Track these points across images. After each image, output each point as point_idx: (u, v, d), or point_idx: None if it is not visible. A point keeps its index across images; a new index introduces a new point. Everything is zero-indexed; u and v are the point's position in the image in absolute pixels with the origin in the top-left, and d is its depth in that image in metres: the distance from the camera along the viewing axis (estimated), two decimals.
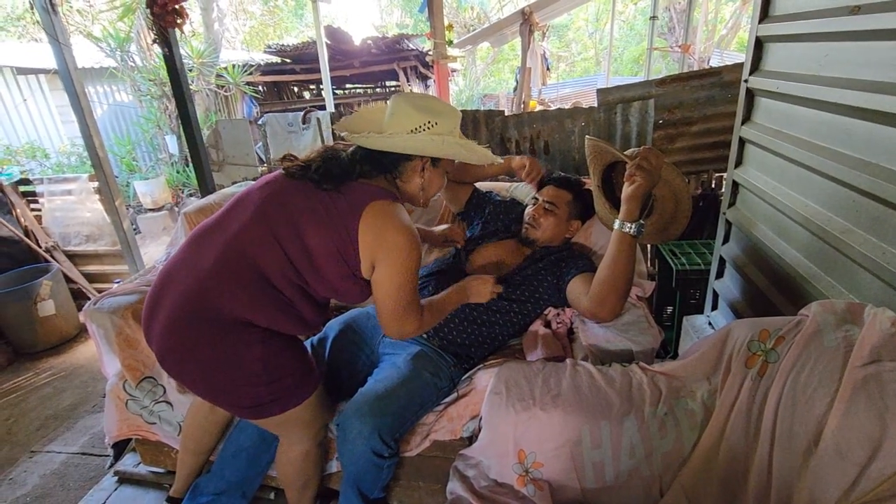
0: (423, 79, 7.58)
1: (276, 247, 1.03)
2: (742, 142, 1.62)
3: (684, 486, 0.93)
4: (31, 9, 2.38)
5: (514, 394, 1.04)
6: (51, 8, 2.44)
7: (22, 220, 3.20)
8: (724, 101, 2.32)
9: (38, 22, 2.36)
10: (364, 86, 8.73)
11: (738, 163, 1.65)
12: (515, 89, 7.09)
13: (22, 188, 3.30)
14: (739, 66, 2.48)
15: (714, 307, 1.87)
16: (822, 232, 1.18)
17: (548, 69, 8.38)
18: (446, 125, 1.10)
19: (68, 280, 3.13)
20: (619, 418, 0.96)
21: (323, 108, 5.71)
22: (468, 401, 1.30)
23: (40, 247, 3.16)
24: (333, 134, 3.00)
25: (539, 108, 6.60)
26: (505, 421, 1.03)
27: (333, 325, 1.48)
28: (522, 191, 1.90)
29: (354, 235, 1.04)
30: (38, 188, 3.32)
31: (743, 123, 1.58)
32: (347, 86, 8.69)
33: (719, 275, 1.83)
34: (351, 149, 1.13)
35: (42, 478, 1.88)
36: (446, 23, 4.46)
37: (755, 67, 1.51)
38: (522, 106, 6.19)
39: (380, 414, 1.16)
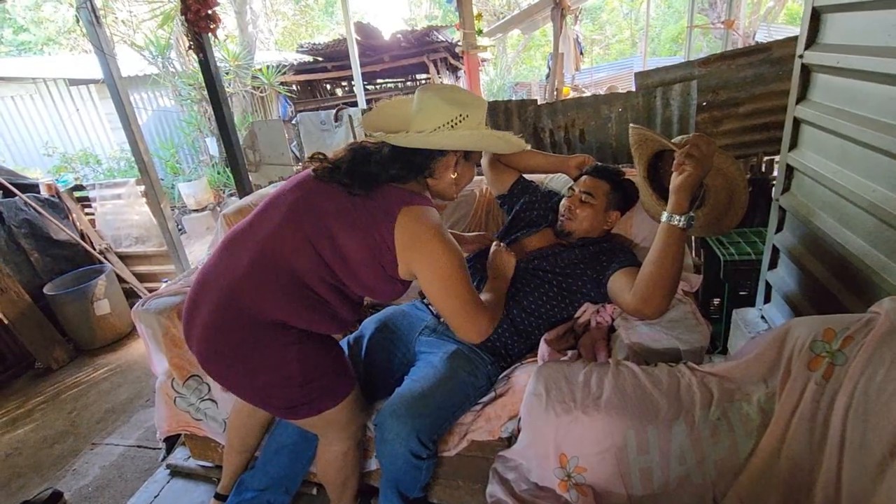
0: (454, 70, 7.52)
1: (310, 249, 1.03)
2: (797, 122, 1.50)
3: (741, 497, 0.88)
4: (78, 22, 2.48)
5: (554, 395, 1.01)
6: (95, 21, 2.54)
7: (77, 224, 3.39)
8: (775, 79, 2.17)
9: (86, 34, 2.48)
10: (394, 80, 8.75)
11: (793, 145, 1.53)
12: (548, 76, 6.92)
13: (76, 194, 3.49)
14: (792, 40, 2.33)
15: (767, 300, 1.76)
16: (891, 218, 1.08)
17: (581, 54, 8.13)
18: (477, 116, 1.07)
19: (121, 280, 3.30)
20: (667, 422, 0.91)
21: (355, 104, 5.76)
22: (506, 400, 1.27)
23: (94, 249, 3.34)
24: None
25: (572, 94, 6.43)
26: (545, 423, 1.00)
27: (369, 324, 1.48)
28: (559, 182, 1.84)
29: (391, 242, 1.03)
30: (91, 193, 3.50)
31: (798, 102, 1.47)
32: (378, 81, 8.73)
33: (772, 265, 1.71)
34: (380, 148, 1.11)
35: (102, 469, 1.99)
36: (475, 12, 4.38)
37: (811, 41, 1.39)
38: (555, 93, 6.03)
39: (417, 415, 1.15)
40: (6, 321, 2.78)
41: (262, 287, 1.03)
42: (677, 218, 1.13)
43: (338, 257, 1.04)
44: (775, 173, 2.40)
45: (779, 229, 1.65)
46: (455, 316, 1.07)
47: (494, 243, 1.36)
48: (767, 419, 0.88)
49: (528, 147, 1.21)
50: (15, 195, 3.08)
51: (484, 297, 1.21)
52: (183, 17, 2.05)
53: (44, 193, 3.29)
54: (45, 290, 2.96)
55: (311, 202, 1.06)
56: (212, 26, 2.10)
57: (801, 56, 1.42)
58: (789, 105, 1.50)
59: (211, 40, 2.25)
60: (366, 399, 1.34)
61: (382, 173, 1.06)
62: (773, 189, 1.66)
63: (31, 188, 3.26)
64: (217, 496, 1.48)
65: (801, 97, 1.45)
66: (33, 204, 3.11)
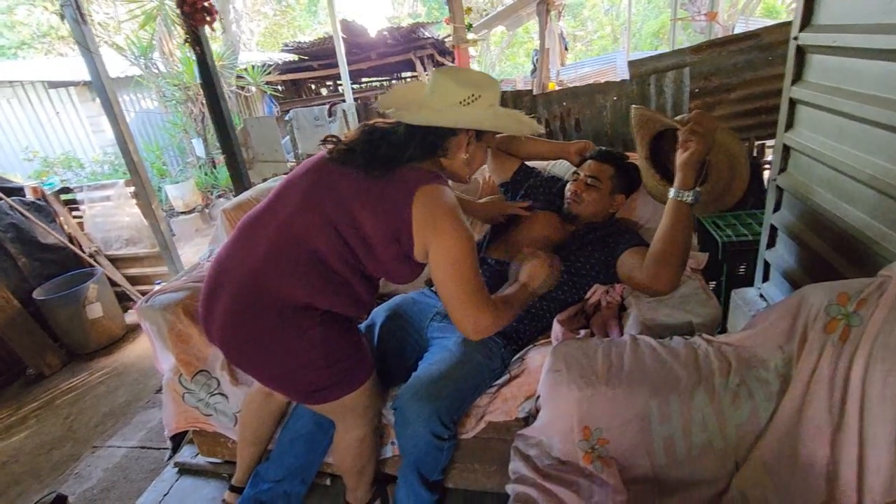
0: (440, 66, 7.52)
1: (331, 230, 1.03)
2: (792, 103, 1.54)
3: (764, 459, 0.90)
4: (63, 20, 2.43)
5: (574, 370, 1.02)
6: (81, 19, 2.49)
7: (65, 227, 3.32)
8: (765, 65, 2.22)
9: (62, 37, 2.43)
10: (380, 78, 8.72)
11: (789, 126, 1.57)
12: (533, 72, 6.96)
13: (63, 196, 3.42)
14: (781, 26, 2.38)
15: (765, 278, 1.80)
16: (891, 189, 1.12)
17: (566, 49, 8.20)
18: (490, 97, 1.08)
19: (112, 283, 3.24)
20: (688, 391, 0.93)
21: (343, 102, 5.72)
22: (521, 381, 1.29)
23: (84, 252, 3.27)
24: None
25: (558, 89, 6.47)
26: (567, 398, 1.01)
27: (380, 312, 1.48)
28: (561, 168, 1.86)
29: (409, 221, 1.02)
30: (79, 195, 3.43)
31: (793, 83, 1.50)
32: (363, 80, 8.69)
33: (770, 244, 1.75)
34: (395, 128, 1.11)
35: (106, 471, 1.96)
36: (464, 6, 4.39)
37: (806, 23, 1.43)
38: (542, 88, 6.07)
39: (437, 397, 1.16)
40: None
41: (284, 270, 1.02)
42: (685, 193, 1.15)
43: (358, 238, 1.04)
44: (768, 157, 2.46)
45: (776, 209, 1.69)
46: (457, 305, 1.03)
47: (546, 256, 1.25)
48: (786, 384, 0.90)
49: (542, 129, 1.23)
50: None
51: (503, 293, 1.18)
52: (178, 10, 2.02)
53: (29, 197, 3.21)
54: (35, 294, 2.89)
55: (330, 184, 1.06)
56: (208, 19, 2.08)
57: (795, 38, 1.46)
58: (784, 86, 1.53)
59: (207, 33, 2.22)
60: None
61: (399, 154, 1.06)
62: (770, 171, 1.69)
63: (16, 192, 3.18)
64: (232, 488, 1.47)
65: (797, 78, 1.49)
66: (19, 207, 3.04)
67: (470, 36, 4.61)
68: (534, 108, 2.50)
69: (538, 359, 1.28)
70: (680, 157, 1.16)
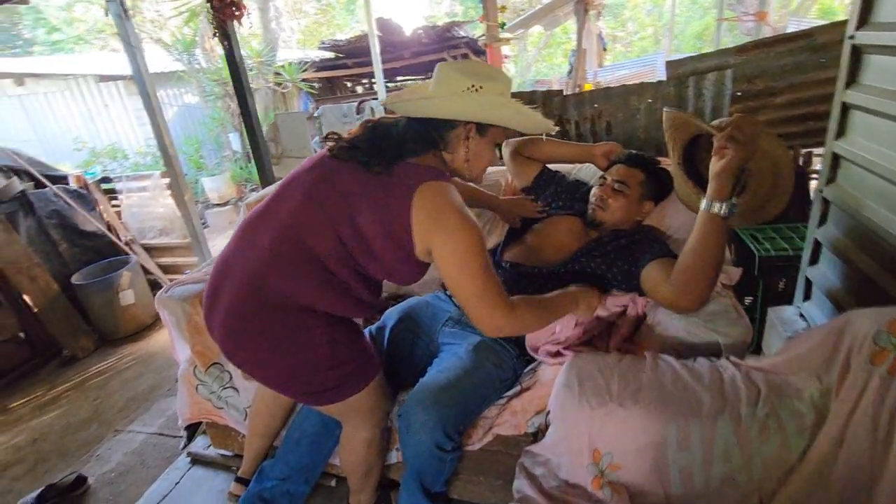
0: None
1: (328, 229, 1.00)
2: (845, 108, 1.42)
3: (792, 499, 0.82)
4: (107, 14, 2.52)
5: (588, 388, 0.96)
6: (124, 14, 2.58)
7: (104, 215, 3.45)
8: (816, 68, 2.07)
9: (116, 34, 2.51)
10: (414, 77, 8.73)
11: (840, 133, 1.45)
12: (570, 73, 6.82)
13: (103, 186, 3.56)
14: (836, 25, 2.22)
15: (807, 297, 1.68)
16: None
17: (604, 49, 7.99)
18: (494, 88, 1.01)
19: (145, 271, 3.34)
20: (710, 418, 0.86)
21: (376, 100, 5.76)
22: (533, 394, 1.23)
23: (120, 240, 3.39)
24: None
25: None
26: (578, 417, 0.95)
27: (392, 314, 1.45)
28: (587, 172, 1.78)
29: (408, 220, 0.98)
30: (117, 185, 3.57)
31: (847, 87, 1.39)
32: (398, 78, 8.72)
33: (813, 261, 1.63)
34: (398, 122, 1.07)
35: (125, 455, 2.01)
36: (499, 4, 4.32)
37: (864, 21, 1.31)
38: (577, 89, 5.94)
39: (443, 405, 1.12)
40: (35, 309, 2.84)
41: (285, 269, 1.00)
42: (718, 205, 1.06)
43: (357, 238, 1.00)
44: (814, 166, 2.30)
45: (822, 222, 1.56)
46: (470, 300, 0.99)
47: (598, 298, 1.26)
48: (822, 418, 0.82)
49: (554, 128, 1.16)
50: (45, 186, 3.14)
51: (529, 297, 1.12)
52: (209, 4, 2.06)
53: (73, 185, 3.36)
54: (73, 279, 3.01)
55: (332, 181, 1.03)
56: (237, 13, 2.11)
57: (851, 37, 1.34)
58: (837, 90, 1.42)
59: (236, 28, 2.25)
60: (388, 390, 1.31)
61: (400, 147, 1.02)
62: (817, 181, 1.57)
63: (60, 180, 3.33)
64: (238, 479, 1.47)
65: (851, 81, 1.37)
66: (62, 195, 3.17)
67: (503, 35, 4.54)
68: (564, 109, 2.42)
69: (551, 372, 1.22)
70: (714, 164, 1.07)
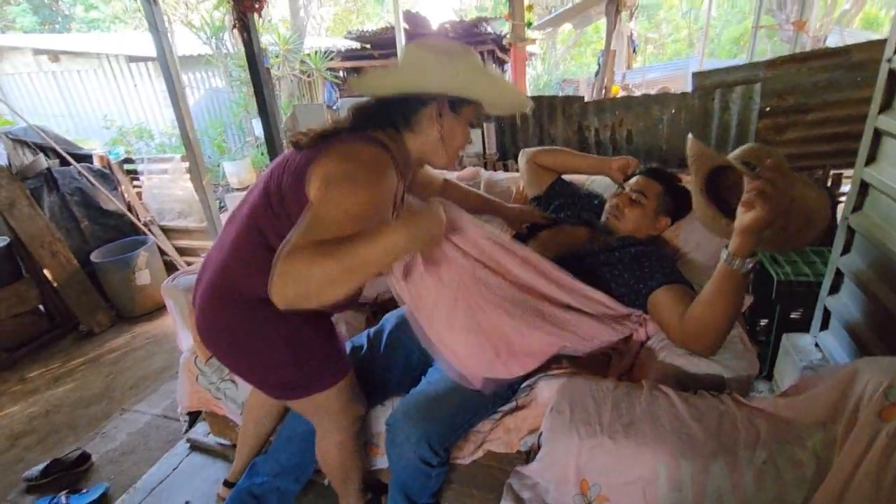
0: (500, 63, 7.37)
1: (283, 216, 0.96)
2: (877, 134, 1.35)
3: None
4: None
5: (578, 415, 0.93)
6: None
7: (126, 195, 3.53)
8: (851, 86, 1.98)
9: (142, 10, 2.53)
10: None
11: (871, 160, 1.38)
12: (597, 73, 6.68)
13: (126, 167, 3.63)
14: (874, 43, 2.11)
15: (824, 327, 1.61)
16: None
17: (634, 52, 7.80)
18: (466, 60, 0.96)
19: (162, 253, 3.41)
20: (704, 459, 0.82)
21: None
22: (527, 413, 1.20)
23: (140, 221, 3.46)
24: None
25: (622, 93, 6.18)
26: (567, 444, 0.93)
27: (391, 318, 1.44)
28: (601, 183, 1.74)
29: (311, 172, 0.90)
30: (139, 167, 3.63)
31: (881, 112, 1.32)
32: None
33: (834, 290, 1.57)
34: (370, 103, 1.03)
35: (129, 435, 2.06)
36: (526, 3, 4.25)
37: None
38: (604, 91, 5.81)
39: (430, 420, 1.10)
40: (55, 284, 2.92)
41: (246, 260, 1.01)
42: (739, 262, 0.96)
43: (281, 205, 0.96)
44: (843, 188, 2.20)
45: (846, 251, 1.50)
46: (287, 244, 0.80)
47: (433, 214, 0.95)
48: (824, 470, 0.78)
49: (530, 104, 1.09)
50: (70, 164, 3.22)
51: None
52: None
53: (96, 164, 3.43)
54: (92, 256, 3.09)
55: (285, 164, 0.99)
56: (256, 6, 2.11)
57: (889, 60, 1.27)
58: (870, 114, 1.35)
59: (256, 20, 2.25)
60: (381, 395, 1.30)
61: (361, 125, 0.99)
62: (843, 207, 1.50)
63: (85, 158, 3.41)
64: (226, 483, 1.49)
65: (886, 106, 1.30)
66: (86, 174, 3.25)
67: (529, 34, 4.46)
68: (584, 116, 2.37)
69: (547, 391, 1.19)
70: (741, 217, 0.94)
